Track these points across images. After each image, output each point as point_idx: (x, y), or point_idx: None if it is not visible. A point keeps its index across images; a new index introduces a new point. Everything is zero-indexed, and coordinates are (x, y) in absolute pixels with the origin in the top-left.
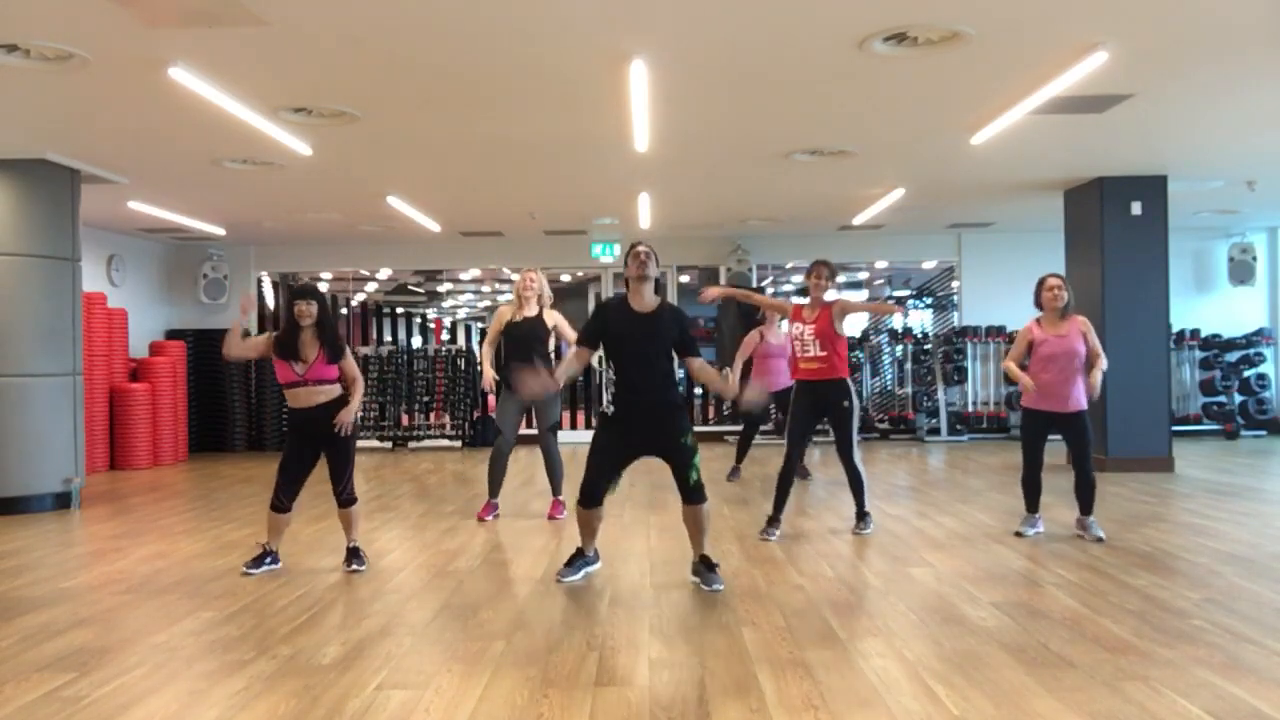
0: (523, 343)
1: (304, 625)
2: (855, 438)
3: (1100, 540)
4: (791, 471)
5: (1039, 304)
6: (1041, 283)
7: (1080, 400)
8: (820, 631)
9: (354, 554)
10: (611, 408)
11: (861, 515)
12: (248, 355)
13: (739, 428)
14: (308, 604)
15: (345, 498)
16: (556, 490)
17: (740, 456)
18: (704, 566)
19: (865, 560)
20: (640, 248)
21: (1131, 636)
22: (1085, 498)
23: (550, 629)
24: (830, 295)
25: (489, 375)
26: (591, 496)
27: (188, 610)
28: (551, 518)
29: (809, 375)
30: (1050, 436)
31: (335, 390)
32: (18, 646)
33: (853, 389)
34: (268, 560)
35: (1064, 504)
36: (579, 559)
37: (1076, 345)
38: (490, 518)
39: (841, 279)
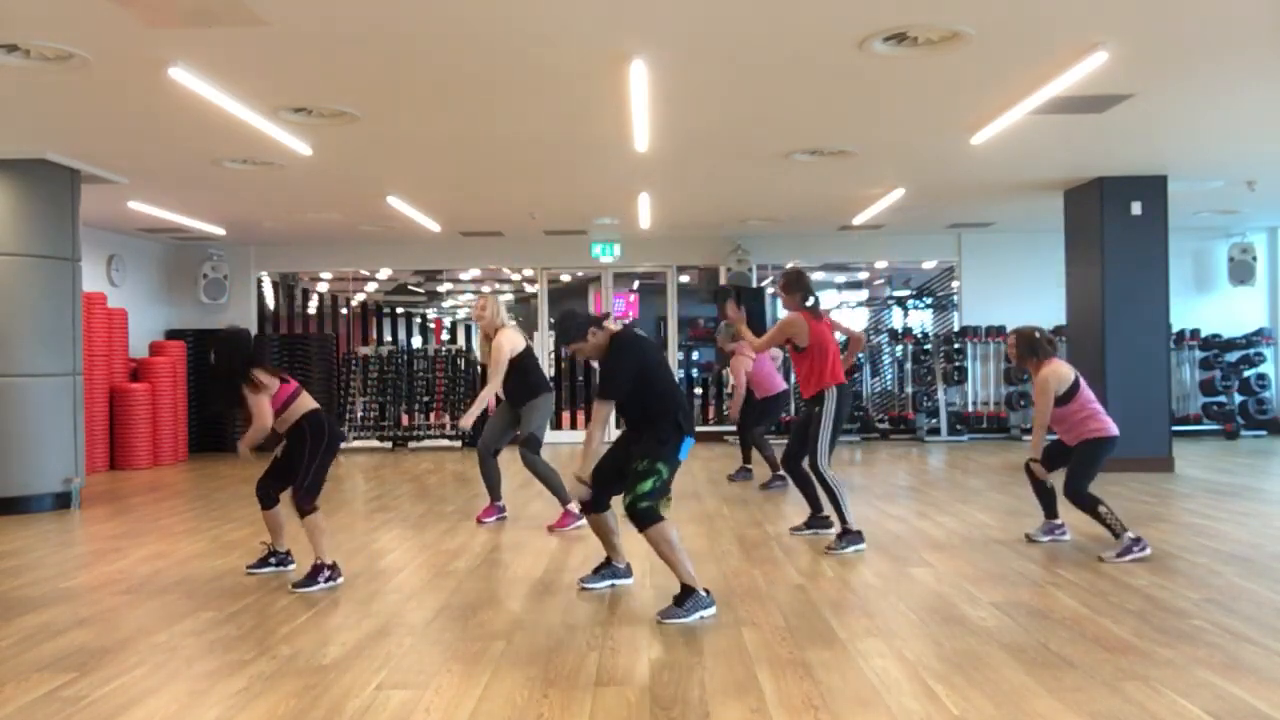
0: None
1: (304, 625)
2: (824, 443)
3: (1034, 542)
4: (800, 473)
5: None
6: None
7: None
8: (820, 631)
9: (317, 571)
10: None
11: (824, 522)
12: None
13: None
14: (308, 604)
15: (299, 504)
16: (563, 500)
17: (747, 457)
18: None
19: (865, 560)
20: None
21: (1131, 636)
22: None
23: (550, 629)
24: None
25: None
26: (595, 501)
27: (188, 610)
28: (560, 526)
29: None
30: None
31: (295, 416)
32: (18, 646)
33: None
34: (273, 561)
35: (1063, 504)
36: (606, 568)
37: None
38: (492, 519)
39: (841, 279)
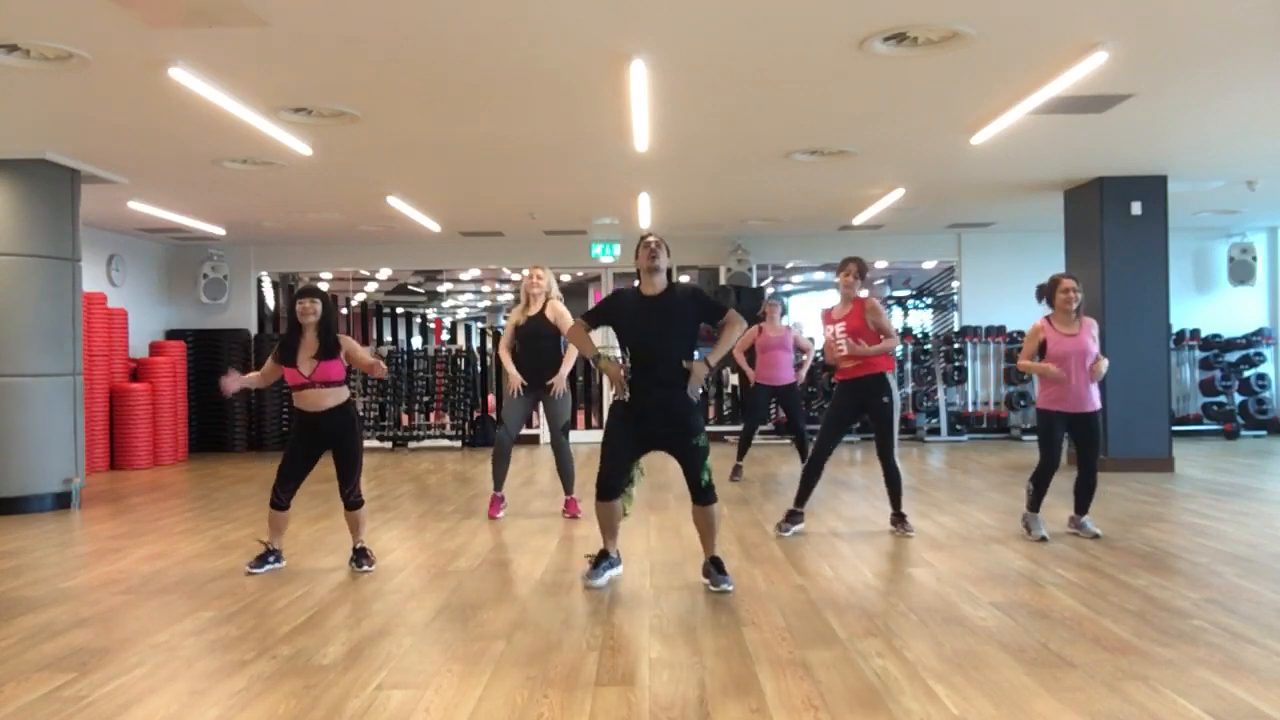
0: (528, 341)
1: (304, 625)
2: (895, 437)
3: (1097, 537)
4: (820, 466)
5: (1052, 303)
6: (1057, 283)
7: (1096, 400)
8: (820, 631)
9: (362, 554)
10: (627, 394)
11: (901, 517)
12: (260, 386)
13: (739, 427)
14: (308, 604)
15: (353, 500)
16: (569, 489)
17: (741, 454)
18: (714, 568)
19: (865, 560)
20: (650, 239)
21: (1131, 636)
22: (1085, 498)
23: (550, 629)
24: (863, 293)
25: (515, 378)
26: (609, 488)
27: (188, 610)
28: (574, 515)
29: (847, 374)
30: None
31: (344, 393)
32: (18, 646)
33: (893, 385)
34: (270, 559)
35: (1063, 504)
36: (603, 560)
37: (1089, 344)
38: (500, 514)
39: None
